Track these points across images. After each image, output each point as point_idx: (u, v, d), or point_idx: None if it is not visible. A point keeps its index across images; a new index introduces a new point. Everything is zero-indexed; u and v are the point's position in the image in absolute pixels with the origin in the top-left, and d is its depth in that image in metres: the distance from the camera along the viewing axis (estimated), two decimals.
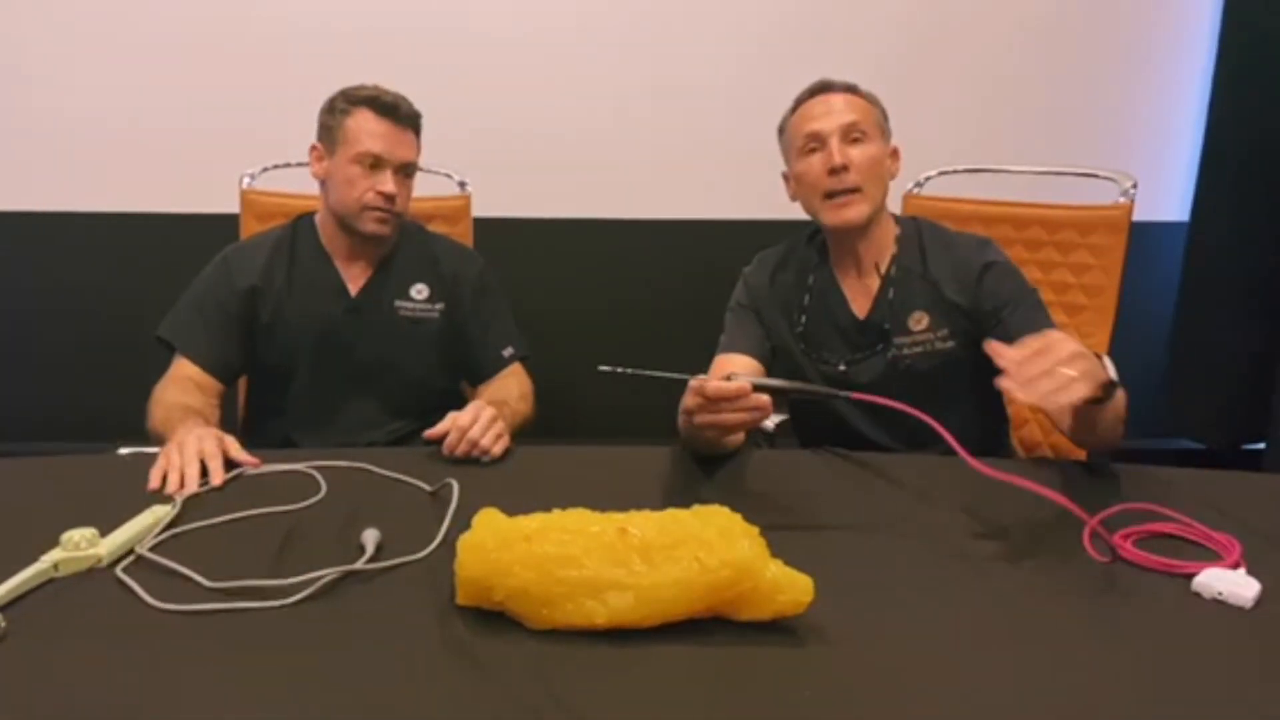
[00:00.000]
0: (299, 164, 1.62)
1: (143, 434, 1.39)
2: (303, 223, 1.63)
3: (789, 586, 0.81)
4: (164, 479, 1.13)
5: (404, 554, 0.95)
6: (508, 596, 0.82)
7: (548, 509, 0.89)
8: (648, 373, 1.09)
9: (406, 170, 1.54)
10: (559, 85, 2.46)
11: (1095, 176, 1.78)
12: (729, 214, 2.50)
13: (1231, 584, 0.88)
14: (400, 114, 1.51)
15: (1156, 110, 2.54)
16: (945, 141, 2.10)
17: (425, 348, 1.61)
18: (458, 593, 0.85)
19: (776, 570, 0.82)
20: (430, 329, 1.61)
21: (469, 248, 1.79)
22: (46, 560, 0.90)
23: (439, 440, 1.25)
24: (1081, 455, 1.51)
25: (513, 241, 2.30)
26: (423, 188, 1.67)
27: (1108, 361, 1.10)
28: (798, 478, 1.25)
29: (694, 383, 1.09)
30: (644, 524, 0.85)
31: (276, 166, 1.92)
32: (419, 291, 1.60)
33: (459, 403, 1.36)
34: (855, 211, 1.37)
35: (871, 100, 1.43)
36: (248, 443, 1.23)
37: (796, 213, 1.47)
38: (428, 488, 1.14)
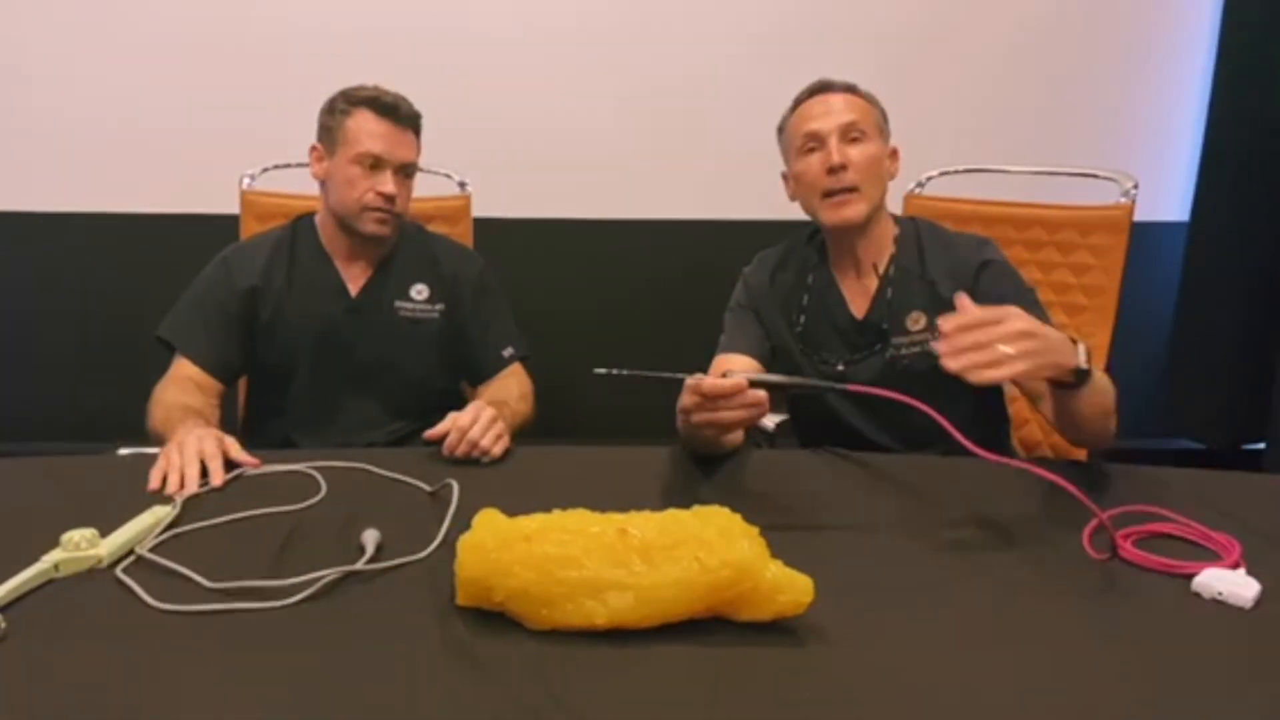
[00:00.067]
0: (299, 164, 1.62)
1: (143, 434, 1.39)
2: (303, 223, 1.63)
3: (789, 587, 0.81)
4: (164, 479, 1.13)
5: (404, 554, 0.95)
6: (508, 597, 0.82)
7: (548, 509, 0.89)
8: (644, 373, 1.09)
9: (406, 171, 1.54)
10: (559, 85, 2.46)
11: (1095, 177, 1.78)
12: (729, 214, 2.50)
13: (1231, 584, 0.88)
14: (400, 114, 1.51)
15: (1156, 110, 2.54)
16: (945, 141, 2.11)
17: (425, 348, 1.61)
18: (458, 593, 0.85)
19: (776, 570, 0.82)
20: (430, 329, 1.61)
21: (469, 248, 1.79)
22: (47, 561, 0.90)
23: (439, 441, 1.25)
24: (1082, 455, 1.51)
25: (513, 241, 2.30)
26: (423, 188, 1.67)
27: (1081, 350, 1.09)
28: (798, 478, 1.25)
29: (690, 381, 1.09)
30: (644, 524, 0.85)
31: (277, 167, 1.92)
32: (419, 292, 1.60)
33: (459, 403, 1.36)
34: (853, 210, 1.37)
35: (871, 100, 1.44)
36: (248, 443, 1.23)
37: (796, 213, 1.47)
38: (428, 488, 1.14)
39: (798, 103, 1.44)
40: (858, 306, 1.44)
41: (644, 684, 0.75)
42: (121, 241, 2.48)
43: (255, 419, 1.65)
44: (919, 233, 1.45)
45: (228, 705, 0.72)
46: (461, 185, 1.96)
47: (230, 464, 1.19)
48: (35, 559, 0.90)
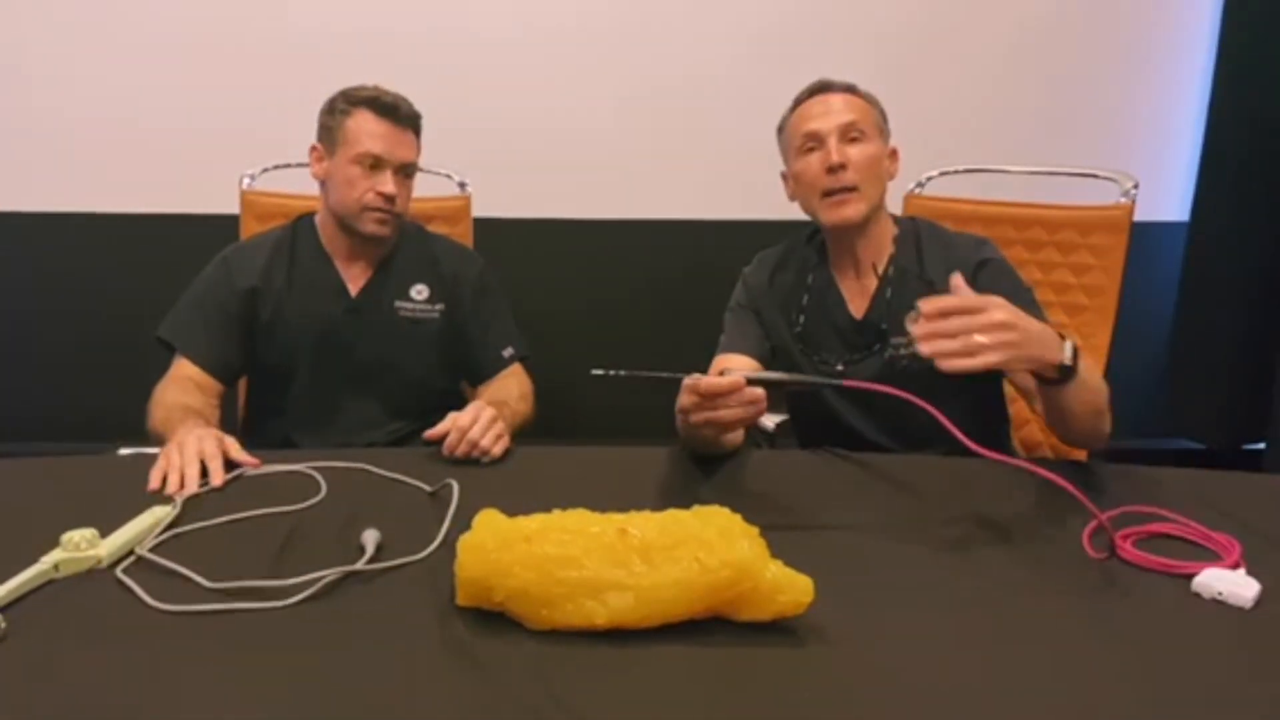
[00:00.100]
0: (299, 164, 1.62)
1: (143, 434, 1.39)
2: (303, 223, 1.63)
3: (789, 587, 0.81)
4: (164, 479, 1.13)
5: (404, 554, 0.95)
6: (508, 597, 0.82)
7: (548, 509, 0.89)
8: (641, 374, 1.09)
9: (406, 171, 1.54)
10: (559, 85, 2.46)
11: (1095, 177, 1.78)
12: (729, 214, 2.50)
13: (1231, 584, 0.88)
14: (400, 114, 1.51)
15: (1156, 110, 2.54)
16: (945, 141, 2.10)
17: (425, 348, 1.61)
18: (458, 593, 0.85)
19: (776, 571, 0.82)
20: (430, 329, 1.61)
21: (469, 248, 1.79)
22: (47, 561, 0.90)
23: (439, 441, 1.25)
24: (1082, 456, 1.51)
25: (513, 241, 2.30)
26: (423, 188, 1.67)
27: (1068, 346, 1.09)
28: (798, 478, 1.25)
29: (688, 381, 1.09)
30: (644, 524, 0.85)
31: (277, 167, 1.92)
32: (419, 292, 1.60)
33: (459, 403, 1.37)
34: (852, 210, 1.37)
35: (870, 100, 1.44)
36: (248, 443, 1.23)
37: (796, 213, 1.47)
38: (428, 488, 1.14)
39: (797, 103, 1.44)
40: (857, 306, 1.44)
41: (644, 684, 0.75)
42: (121, 241, 2.48)
43: (255, 419, 1.65)
44: (918, 232, 1.45)
45: (228, 705, 0.72)
46: (461, 185, 1.96)
47: (230, 464, 1.19)
48: (35, 559, 0.90)
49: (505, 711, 0.72)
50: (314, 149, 1.55)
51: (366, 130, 1.49)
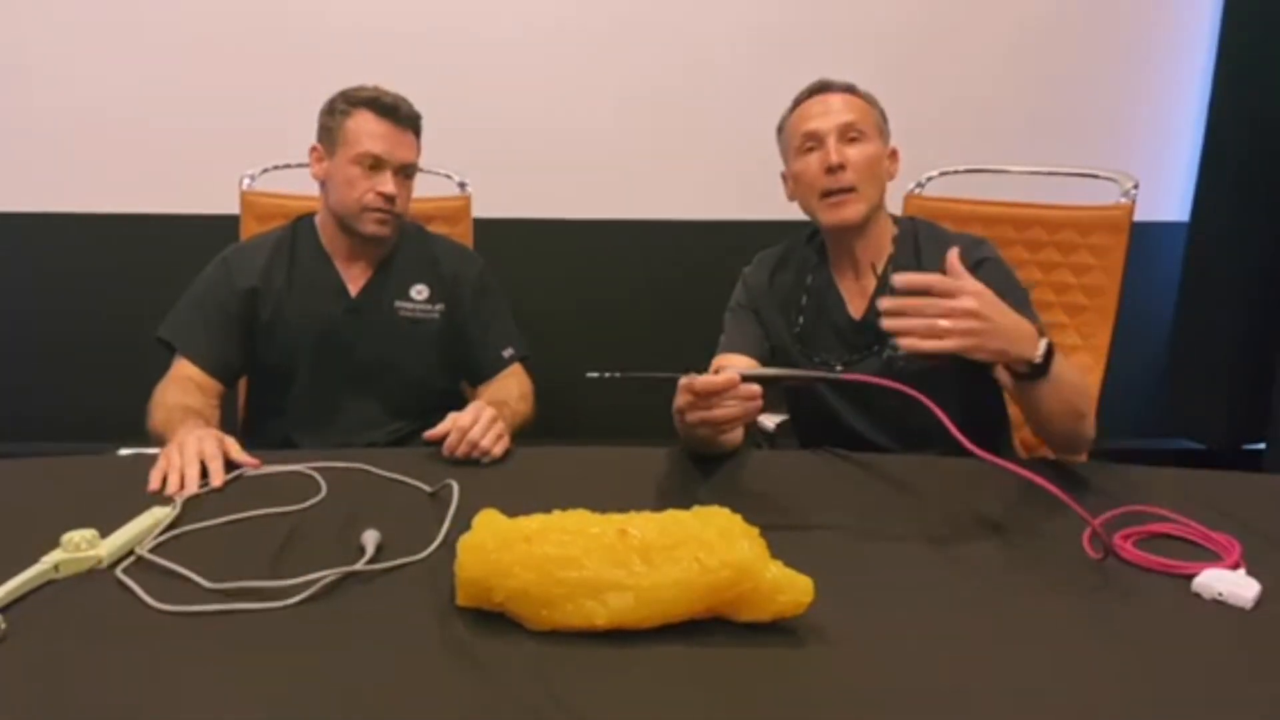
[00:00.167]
0: (299, 165, 1.62)
1: (143, 434, 1.39)
2: (303, 224, 1.63)
3: (789, 587, 0.81)
4: (164, 480, 1.13)
5: (404, 555, 0.95)
6: (508, 597, 0.82)
7: (548, 510, 0.89)
8: (637, 374, 1.09)
9: (406, 171, 1.54)
10: (559, 85, 2.46)
11: (1096, 177, 1.78)
12: (729, 214, 2.50)
13: (1231, 584, 0.88)
14: (400, 115, 1.51)
15: (1156, 110, 2.54)
16: (945, 142, 2.10)
17: (425, 348, 1.61)
18: (458, 594, 0.85)
19: (776, 571, 0.82)
20: (430, 329, 1.61)
21: (469, 248, 1.80)
22: (47, 561, 0.90)
23: (439, 441, 1.25)
24: (1083, 457, 1.51)
25: (513, 241, 2.30)
26: (423, 188, 1.67)
27: (1043, 344, 1.09)
28: (798, 478, 1.25)
29: (683, 381, 1.08)
30: (644, 525, 0.85)
31: (276, 167, 1.92)
32: (419, 292, 1.60)
33: (459, 403, 1.36)
34: (851, 211, 1.37)
35: (870, 100, 1.44)
36: (248, 443, 1.23)
37: (796, 213, 1.47)
38: (428, 488, 1.14)
39: (797, 103, 1.44)
40: (856, 307, 1.44)
41: (644, 684, 0.75)
42: (121, 241, 2.48)
43: (255, 419, 1.65)
44: (917, 232, 1.45)
45: (228, 705, 0.72)
46: (461, 185, 1.96)
47: (230, 464, 1.19)
48: (35, 559, 0.90)
49: (505, 711, 0.72)
50: (314, 149, 1.55)
51: (366, 131, 1.49)
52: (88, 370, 2.54)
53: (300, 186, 1.77)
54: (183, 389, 1.45)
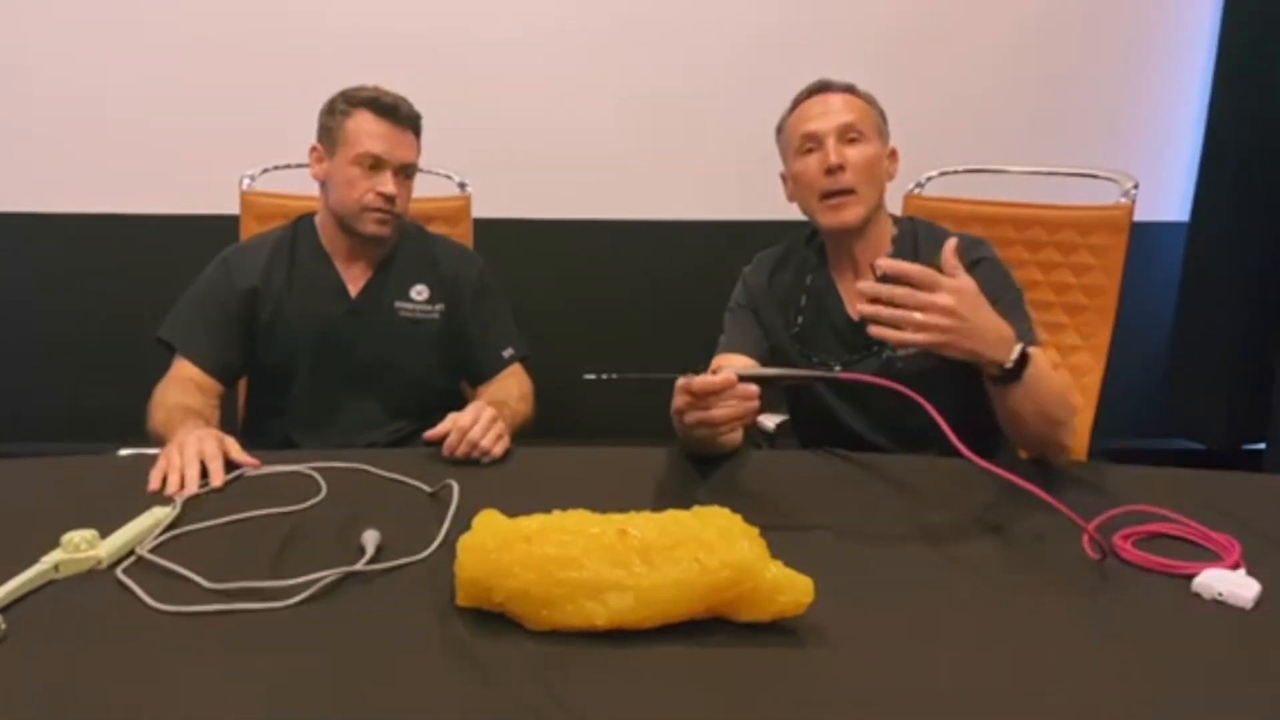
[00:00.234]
0: (299, 165, 1.62)
1: (143, 434, 1.39)
2: (303, 224, 1.63)
3: (789, 587, 0.81)
4: (164, 480, 1.13)
5: (404, 555, 0.95)
6: (508, 597, 0.82)
7: (548, 510, 0.89)
8: (635, 375, 1.09)
9: (406, 171, 1.54)
10: (559, 85, 2.46)
11: (1095, 177, 1.78)
12: (729, 214, 2.50)
13: (1231, 584, 0.88)
14: (400, 115, 1.51)
15: (1156, 110, 2.54)
16: (945, 141, 2.10)
17: (425, 348, 1.61)
18: (458, 594, 0.85)
19: (776, 571, 0.82)
20: (430, 330, 1.61)
21: (469, 248, 1.80)
22: (47, 561, 0.90)
23: (439, 441, 1.25)
24: (1082, 457, 1.51)
25: (513, 242, 2.30)
26: (423, 188, 1.67)
27: (1017, 349, 1.10)
28: (798, 478, 1.25)
29: (681, 381, 1.08)
30: (644, 525, 0.85)
31: (277, 167, 1.92)
32: (419, 292, 1.60)
33: (459, 403, 1.36)
34: (851, 213, 1.37)
35: (869, 101, 1.43)
36: (248, 443, 1.23)
37: (796, 213, 1.47)
38: (428, 489, 1.14)
39: (796, 103, 1.44)
40: (855, 308, 1.44)
41: (644, 684, 0.75)
42: (121, 241, 2.48)
43: (255, 419, 1.65)
44: (916, 232, 1.45)
45: (228, 705, 0.72)
46: (461, 186, 1.96)
47: (230, 464, 1.19)
48: (35, 560, 0.90)
49: (505, 711, 0.72)
50: (314, 149, 1.55)
51: (366, 131, 1.49)
52: (88, 370, 2.54)
53: (300, 186, 1.77)
54: (183, 389, 1.45)
